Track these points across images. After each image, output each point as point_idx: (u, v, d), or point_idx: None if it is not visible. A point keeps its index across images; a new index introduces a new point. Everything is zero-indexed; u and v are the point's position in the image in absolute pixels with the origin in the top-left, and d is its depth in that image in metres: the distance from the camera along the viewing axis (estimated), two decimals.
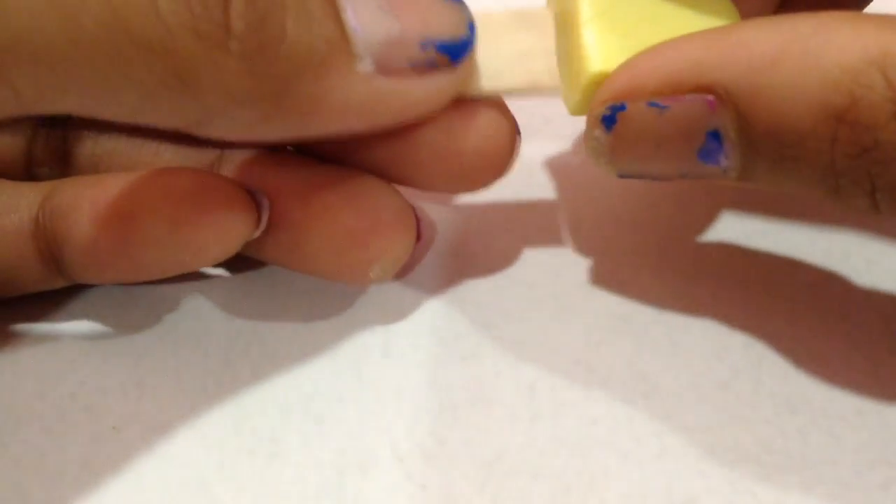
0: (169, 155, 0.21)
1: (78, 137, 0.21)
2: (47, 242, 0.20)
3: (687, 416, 0.19)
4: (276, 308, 0.21)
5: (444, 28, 0.17)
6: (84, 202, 0.19)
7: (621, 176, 0.18)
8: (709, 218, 0.23)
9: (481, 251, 0.22)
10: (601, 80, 0.18)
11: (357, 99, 0.16)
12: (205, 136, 0.17)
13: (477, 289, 0.21)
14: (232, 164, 0.20)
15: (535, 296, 0.21)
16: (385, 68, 0.16)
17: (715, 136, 0.16)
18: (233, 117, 0.16)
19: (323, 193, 0.19)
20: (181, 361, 0.20)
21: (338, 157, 0.20)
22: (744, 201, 0.23)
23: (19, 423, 0.19)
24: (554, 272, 0.22)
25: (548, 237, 0.22)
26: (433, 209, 0.23)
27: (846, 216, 0.22)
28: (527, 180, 0.24)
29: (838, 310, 0.21)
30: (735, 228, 0.22)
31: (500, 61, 0.18)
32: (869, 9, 0.21)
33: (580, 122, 0.19)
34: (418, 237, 0.20)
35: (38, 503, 0.18)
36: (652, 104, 0.17)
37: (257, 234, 0.19)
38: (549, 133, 0.24)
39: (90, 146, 0.21)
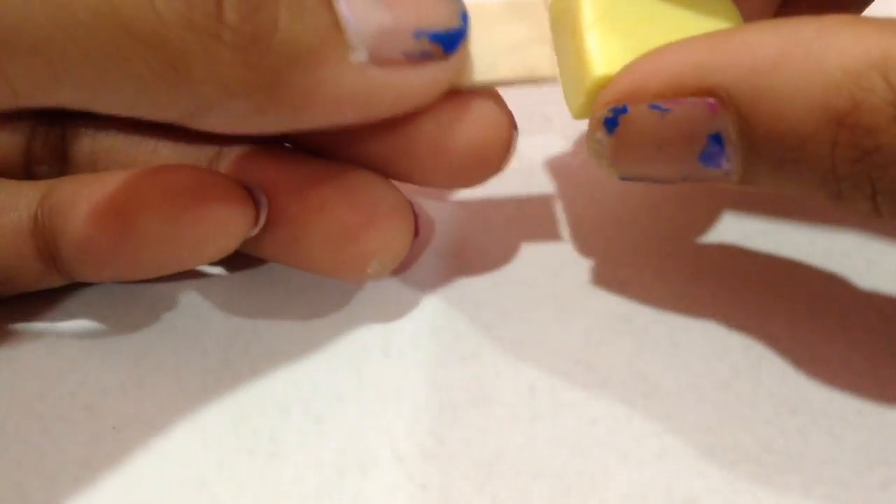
0: (167, 152, 0.21)
1: (76, 135, 0.21)
2: (46, 240, 0.20)
3: (687, 416, 0.19)
4: (276, 307, 0.21)
5: (438, 18, 0.17)
6: (82, 200, 0.19)
7: (623, 178, 0.18)
8: (709, 218, 0.23)
9: (481, 251, 0.22)
10: (605, 84, 0.18)
11: (351, 90, 0.16)
12: (200, 128, 0.17)
13: (477, 288, 0.21)
14: (229, 161, 0.20)
15: (535, 296, 0.21)
16: (379, 59, 0.16)
17: (716, 139, 0.16)
18: (227, 109, 0.16)
19: (320, 189, 0.19)
20: (181, 361, 0.20)
21: (334, 153, 0.20)
22: (744, 202, 0.23)
23: (19, 423, 0.19)
24: (554, 272, 0.22)
25: (548, 237, 0.22)
26: (434, 209, 0.23)
27: (846, 217, 0.22)
28: (527, 180, 0.24)
29: (838, 310, 0.21)
30: (735, 229, 0.22)
31: (493, 52, 0.18)
32: (869, 10, 0.21)
33: (580, 122, 0.19)
34: (416, 233, 0.20)
35: (38, 503, 0.18)
36: (654, 107, 0.17)
37: (256, 230, 0.19)
38: (549, 133, 0.24)
39: (88, 144, 0.21)
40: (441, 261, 0.22)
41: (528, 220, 0.23)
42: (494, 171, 0.19)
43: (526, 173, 0.24)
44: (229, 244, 0.19)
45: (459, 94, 0.18)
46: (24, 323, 0.21)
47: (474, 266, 0.22)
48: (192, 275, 0.22)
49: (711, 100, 0.16)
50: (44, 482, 0.18)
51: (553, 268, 0.22)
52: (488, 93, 0.19)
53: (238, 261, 0.22)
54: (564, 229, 0.23)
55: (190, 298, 0.22)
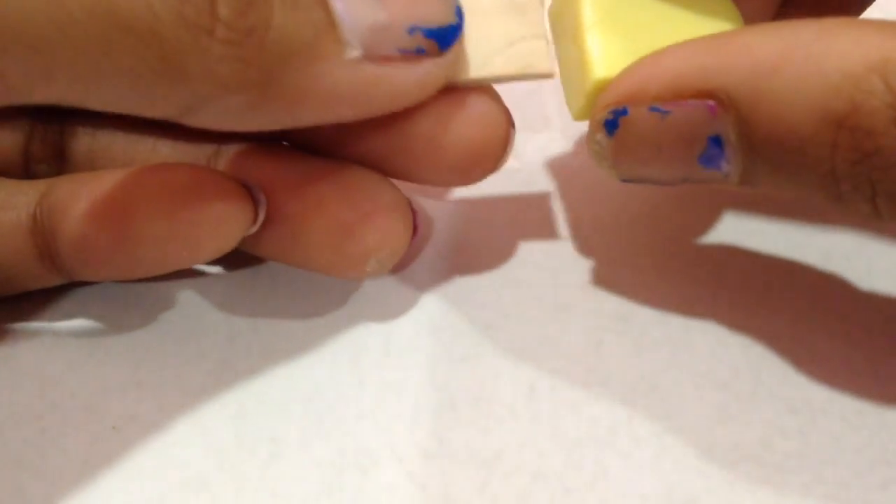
0: (166, 150, 0.21)
1: (74, 134, 0.21)
2: (45, 239, 0.20)
3: (687, 416, 0.19)
4: (276, 307, 0.21)
5: (432, 14, 0.17)
6: (81, 198, 0.19)
7: (623, 180, 0.18)
8: (709, 218, 0.23)
9: (482, 251, 0.22)
10: (605, 86, 0.18)
11: (345, 86, 0.16)
12: (194, 125, 0.17)
13: (477, 288, 0.21)
14: (228, 159, 0.20)
15: (535, 296, 0.21)
16: (373, 55, 0.16)
17: (716, 141, 0.16)
18: (221, 105, 0.16)
19: (318, 186, 0.19)
20: (180, 361, 0.20)
21: (331, 151, 0.20)
22: (744, 202, 0.23)
23: (19, 423, 0.19)
24: (554, 272, 0.22)
25: (548, 237, 0.22)
26: (434, 209, 0.23)
27: (846, 218, 0.22)
28: (526, 180, 0.24)
29: (838, 310, 0.21)
30: (735, 229, 0.22)
31: (489, 47, 0.18)
32: (869, 10, 0.21)
33: (580, 123, 0.19)
34: (415, 231, 0.20)
35: (37, 503, 0.18)
36: (654, 109, 0.17)
37: (254, 228, 0.19)
38: (549, 133, 0.24)
39: (87, 142, 0.21)
40: (441, 260, 0.22)
41: (528, 219, 0.23)
42: (492, 168, 0.19)
43: (525, 173, 0.24)
44: (228, 242, 0.19)
45: (455, 90, 0.18)
46: (24, 322, 0.21)
47: (474, 266, 0.22)
48: (192, 274, 0.22)
49: (711, 102, 0.16)
50: (44, 482, 0.18)
51: (553, 268, 0.22)
52: (484, 89, 0.19)
53: (237, 260, 0.22)
54: (564, 229, 0.23)
55: (189, 298, 0.22)
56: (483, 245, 0.22)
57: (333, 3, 0.16)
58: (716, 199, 0.23)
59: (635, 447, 0.19)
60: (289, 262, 0.20)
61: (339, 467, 0.19)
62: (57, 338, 0.21)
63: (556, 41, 0.19)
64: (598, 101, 0.18)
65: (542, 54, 0.18)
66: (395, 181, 0.20)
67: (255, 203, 0.19)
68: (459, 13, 0.17)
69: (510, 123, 0.19)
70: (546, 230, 0.23)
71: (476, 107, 0.18)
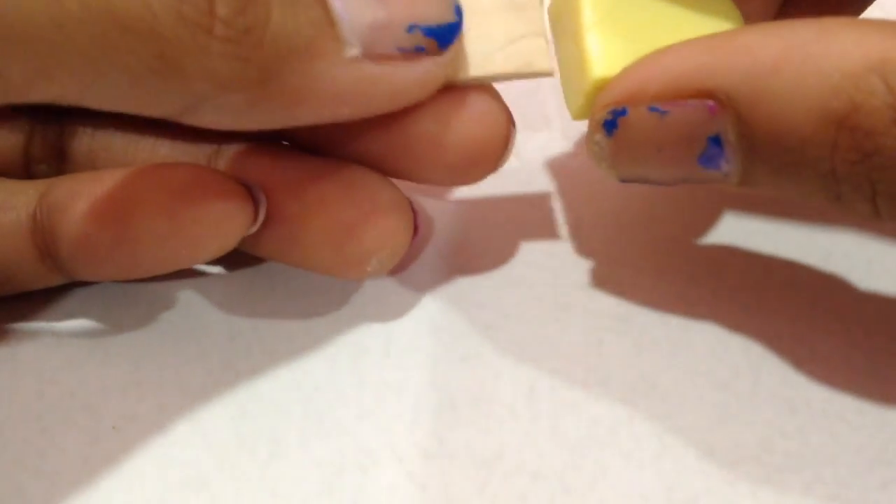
0: (165, 150, 0.21)
1: (74, 134, 0.21)
2: (45, 239, 0.20)
3: (687, 416, 0.19)
4: (276, 307, 0.21)
5: (431, 12, 0.17)
6: (81, 198, 0.19)
7: (622, 180, 0.18)
8: (709, 218, 0.23)
9: (481, 251, 0.22)
10: (604, 86, 0.18)
11: (345, 84, 0.16)
12: (193, 124, 0.16)
13: (477, 288, 0.21)
14: (228, 158, 0.20)
15: (535, 296, 0.21)
16: (372, 53, 0.16)
17: (716, 141, 0.16)
18: (220, 103, 0.16)
19: (319, 186, 0.19)
20: (181, 361, 0.20)
21: (332, 150, 0.20)
22: (744, 202, 0.23)
23: (19, 423, 0.19)
24: (554, 272, 0.22)
25: (548, 237, 0.22)
26: (434, 209, 0.23)
27: (846, 218, 0.22)
28: (526, 180, 0.23)
29: (838, 310, 0.21)
30: (735, 229, 0.22)
31: (488, 46, 0.18)
32: (869, 11, 0.21)
33: (581, 122, 0.19)
34: (415, 231, 0.20)
35: (37, 503, 0.18)
36: (653, 109, 0.17)
37: (254, 228, 0.19)
38: (549, 133, 0.24)
39: (87, 142, 0.21)
40: (441, 260, 0.22)
41: (528, 219, 0.23)
42: (493, 167, 0.19)
43: (526, 173, 0.24)
44: (228, 242, 0.19)
45: (455, 88, 0.18)
46: (24, 322, 0.21)
47: (474, 265, 0.22)
48: (192, 274, 0.22)
49: (711, 102, 0.16)
50: (44, 482, 0.18)
51: (553, 268, 0.22)
52: (484, 87, 0.19)
53: (237, 260, 0.22)
54: (564, 229, 0.23)
55: (190, 298, 0.22)
56: (483, 245, 0.22)
57: (332, 1, 0.16)
58: (716, 199, 0.23)
59: (635, 447, 0.19)
60: (289, 263, 0.20)
61: (339, 467, 0.19)
62: (57, 337, 0.21)
63: (555, 40, 0.19)
64: (596, 101, 0.18)
65: (541, 52, 0.18)
66: (395, 181, 0.20)
67: (255, 203, 0.19)
68: (459, 11, 0.17)
69: (511, 122, 0.19)
70: (546, 230, 0.23)
71: (476, 105, 0.18)
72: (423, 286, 0.22)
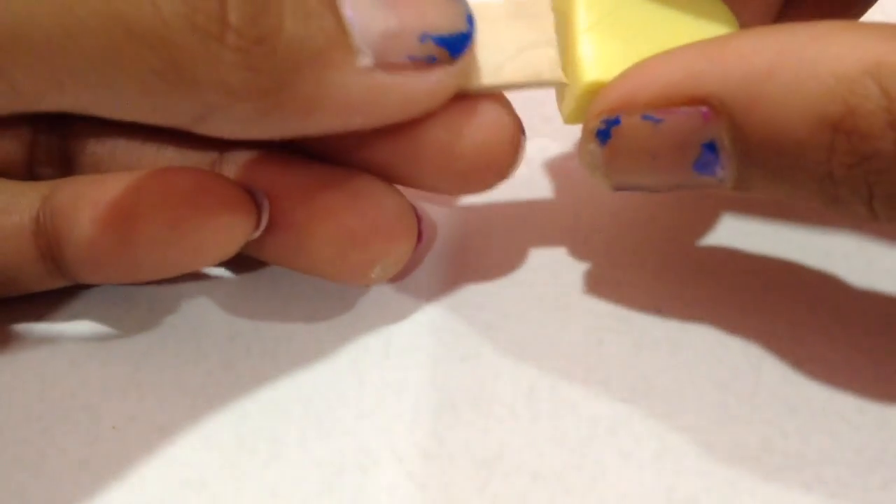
0: (170, 155, 0.21)
1: (79, 137, 0.21)
2: (48, 242, 0.20)
3: (687, 416, 0.19)
4: (277, 308, 0.21)
5: (443, 22, 0.17)
6: (85, 202, 0.19)
7: (616, 189, 0.18)
8: (709, 219, 0.23)
9: (481, 251, 0.22)
10: (596, 90, 0.18)
11: (356, 94, 0.16)
12: (204, 133, 0.16)
13: (477, 289, 0.21)
14: (233, 164, 0.20)
15: (535, 296, 0.21)
16: (384, 63, 0.16)
17: (710, 147, 0.16)
18: (231, 113, 0.16)
19: (324, 194, 0.19)
20: (181, 362, 0.20)
21: (339, 157, 0.20)
22: (744, 202, 0.23)
23: (19, 423, 0.19)
24: (554, 272, 0.22)
25: (548, 237, 0.22)
26: (433, 209, 0.23)
27: (842, 219, 0.22)
28: (527, 180, 0.23)
29: (838, 310, 0.21)
30: (735, 228, 0.22)
31: (500, 55, 0.18)
32: (870, 12, 0.21)
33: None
34: (419, 237, 0.20)
35: (37, 503, 0.18)
36: (646, 117, 0.17)
37: (257, 234, 0.19)
38: (549, 133, 0.24)
39: (91, 146, 0.21)
40: (440, 261, 0.22)
41: (528, 220, 0.23)
42: (502, 176, 0.19)
43: (526, 174, 0.24)
44: (230, 248, 0.19)
45: (466, 97, 0.18)
46: (25, 323, 0.21)
47: (474, 266, 0.22)
48: (194, 276, 0.22)
49: (704, 108, 0.16)
50: (44, 482, 0.18)
51: (553, 268, 0.22)
52: (495, 96, 0.19)
53: (240, 262, 0.22)
54: (564, 230, 0.23)
55: (191, 300, 0.22)
56: (483, 245, 0.22)
57: (344, 11, 0.16)
58: (716, 200, 0.23)
59: (635, 447, 0.19)
60: (293, 268, 0.20)
61: (339, 467, 0.19)
62: (58, 339, 0.21)
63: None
64: (589, 110, 0.18)
65: (552, 62, 0.18)
66: (399, 186, 0.20)
67: (258, 209, 0.19)
68: (471, 20, 0.17)
69: (521, 131, 0.19)
70: (546, 231, 0.23)
71: (487, 114, 0.18)
72: (423, 286, 0.22)
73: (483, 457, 0.19)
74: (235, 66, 0.15)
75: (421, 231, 0.20)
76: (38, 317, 0.21)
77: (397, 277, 0.22)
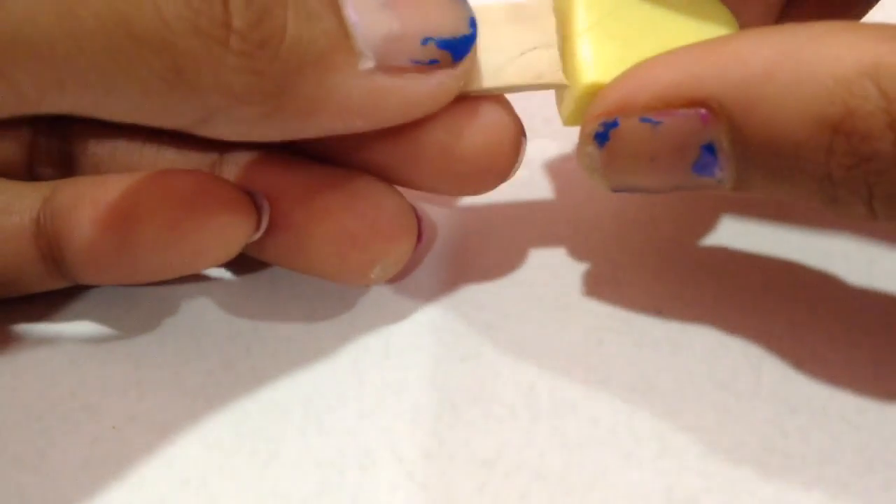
0: (170, 156, 0.21)
1: (80, 138, 0.21)
2: (48, 243, 0.20)
3: (687, 416, 0.19)
4: (277, 308, 0.21)
5: (445, 25, 0.17)
6: (85, 203, 0.19)
7: (615, 190, 0.18)
8: (709, 219, 0.23)
9: (481, 251, 0.22)
10: (594, 92, 0.18)
11: (358, 96, 0.16)
12: (206, 135, 0.16)
13: (477, 289, 0.21)
14: (233, 165, 0.20)
15: (535, 296, 0.21)
16: (386, 66, 0.16)
17: (709, 148, 0.16)
18: (234, 115, 0.16)
19: (324, 195, 0.19)
20: (181, 362, 0.20)
21: (339, 159, 0.20)
22: (744, 202, 0.23)
23: (19, 423, 0.19)
24: (554, 272, 0.22)
25: (548, 237, 0.22)
26: (433, 209, 0.23)
27: (842, 219, 0.22)
28: (527, 180, 0.23)
29: (838, 310, 0.21)
30: (735, 228, 0.22)
31: (501, 57, 0.18)
32: (871, 14, 0.21)
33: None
34: (419, 238, 0.20)
35: (37, 503, 0.18)
36: (645, 120, 0.17)
37: (257, 236, 0.19)
38: (549, 133, 0.24)
39: (92, 147, 0.21)
40: (441, 260, 0.22)
41: (528, 220, 0.23)
42: (503, 177, 0.19)
43: (526, 175, 0.24)
44: (230, 249, 0.19)
45: (467, 99, 0.18)
46: (25, 324, 0.21)
47: (474, 266, 0.22)
48: (194, 277, 0.22)
49: (703, 110, 0.16)
50: (44, 482, 0.18)
51: (553, 268, 0.22)
52: (496, 98, 0.19)
53: (240, 263, 0.22)
54: (564, 229, 0.23)
55: (191, 300, 0.22)
56: (483, 245, 0.22)
57: (347, 14, 0.16)
58: (716, 200, 0.23)
59: (635, 447, 0.19)
60: (293, 269, 0.20)
61: (339, 467, 0.19)
62: (58, 339, 0.21)
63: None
64: (587, 113, 0.18)
65: (554, 64, 0.18)
66: (399, 187, 0.20)
67: (258, 210, 0.19)
68: (473, 23, 0.17)
69: (522, 133, 0.19)
70: (546, 231, 0.23)
71: (488, 116, 0.18)
72: (423, 286, 0.22)
73: (483, 457, 0.19)
74: (238, 69, 0.15)
75: (421, 231, 0.20)
76: (38, 317, 0.21)
77: (397, 277, 0.22)
